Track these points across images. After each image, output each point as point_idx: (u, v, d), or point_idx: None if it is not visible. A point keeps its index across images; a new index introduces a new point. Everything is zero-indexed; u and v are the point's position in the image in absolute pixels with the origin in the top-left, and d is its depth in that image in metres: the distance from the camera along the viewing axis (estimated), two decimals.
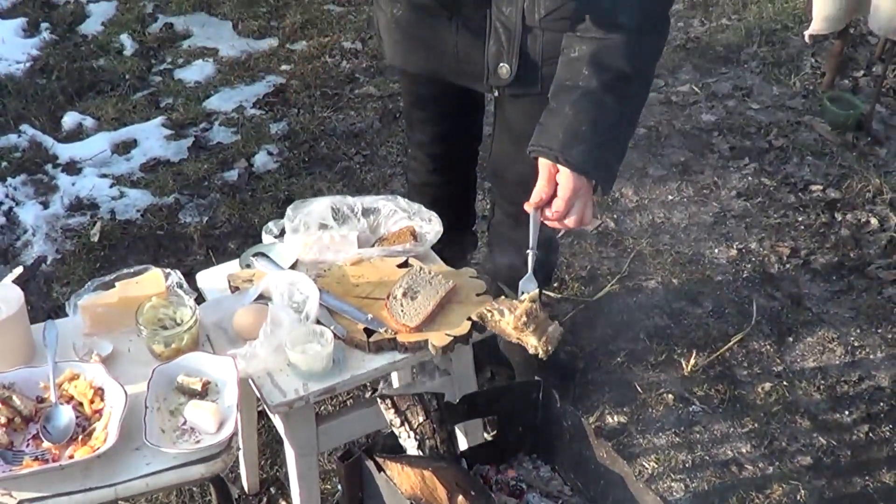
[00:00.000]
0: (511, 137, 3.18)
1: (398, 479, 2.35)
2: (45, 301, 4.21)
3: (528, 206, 2.66)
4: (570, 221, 2.64)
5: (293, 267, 2.92)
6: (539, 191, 2.64)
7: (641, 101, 2.72)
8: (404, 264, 2.92)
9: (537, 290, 2.54)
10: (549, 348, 2.47)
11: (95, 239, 4.81)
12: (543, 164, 2.62)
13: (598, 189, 2.68)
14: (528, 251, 2.64)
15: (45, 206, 5.09)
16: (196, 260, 4.49)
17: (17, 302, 2.62)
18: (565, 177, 2.59)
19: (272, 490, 3.59)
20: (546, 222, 2.67)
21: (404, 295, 2.74)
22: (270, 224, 3.08)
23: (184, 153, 5.47)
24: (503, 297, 2.58)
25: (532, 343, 2.45)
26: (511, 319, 2.46)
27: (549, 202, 2.64)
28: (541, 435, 2.58)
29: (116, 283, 2.80)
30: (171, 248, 4.73)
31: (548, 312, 2.51)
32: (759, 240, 4.80)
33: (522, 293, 2.57)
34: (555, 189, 2.63)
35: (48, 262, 4.69)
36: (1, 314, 2.58)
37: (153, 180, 5.24)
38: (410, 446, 2.41)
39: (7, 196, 5.13)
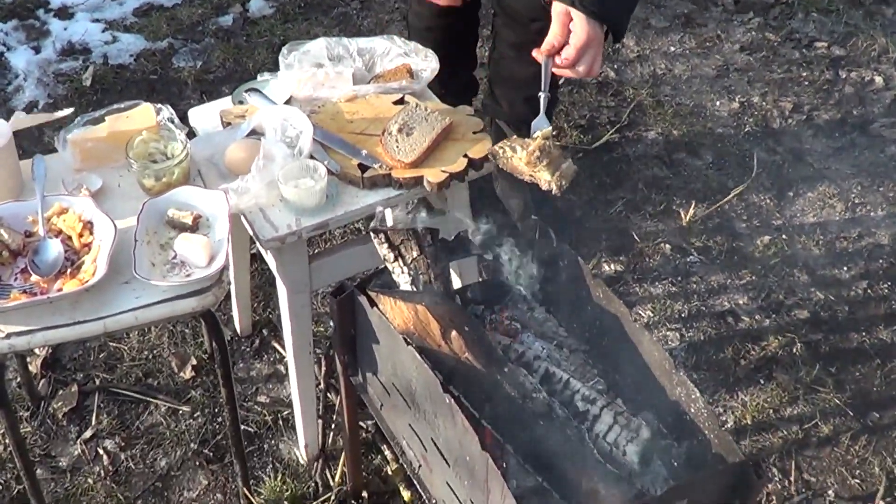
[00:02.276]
0: None
1: (391, 314, 2.32)
2: (36, 145, 4.15)
3: (540, 54, 2.60)
4: (580, 69, 2.59)
5: (287, 104, 2.86)
6: (552, 38, 2.58)
7: None
8: (400, 101, 2.87)
9: (550, 128, 2.49)
10: (563, 183, 2.43)
11: (88, 83, 4.75)
12: (557, 10, 2.56)
13: (608, 36, 2.62)
14: (540, 94, 2.59)
15: (37, 51, 5.01)
16: (190, 104, 4.41)
17: (4, 136, 2.57)
18: (579, 25, 2.53)
19: (264, 332, 3.58)
20: (555, 70, 2.62)
21: (400, 131, 2.69)
22: (266, 73, 3.02)
23: None
24: (515, 136, 2.52)
25: (545, 178, 2.41)
26: (524, 156, 2.42)
27: (560, 49, 2.58)
28: (536, 275, 2.54)
29: (106, 118, 2.75)
30: (164, 93, 4.67)
31: (561, 150, 2.47)
32: (762, 94, 4.74)
33: (535, 132, 2.52)
34: (567, 36, 2.57)
35: (39, 107, 4.64)
36: None
37: (146, 25, 5.15)
38: (404, 282, 2.38)
39: None
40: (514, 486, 2.22)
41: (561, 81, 3.65)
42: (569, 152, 2.44)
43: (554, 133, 4.25)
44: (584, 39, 2.54)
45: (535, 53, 2.63)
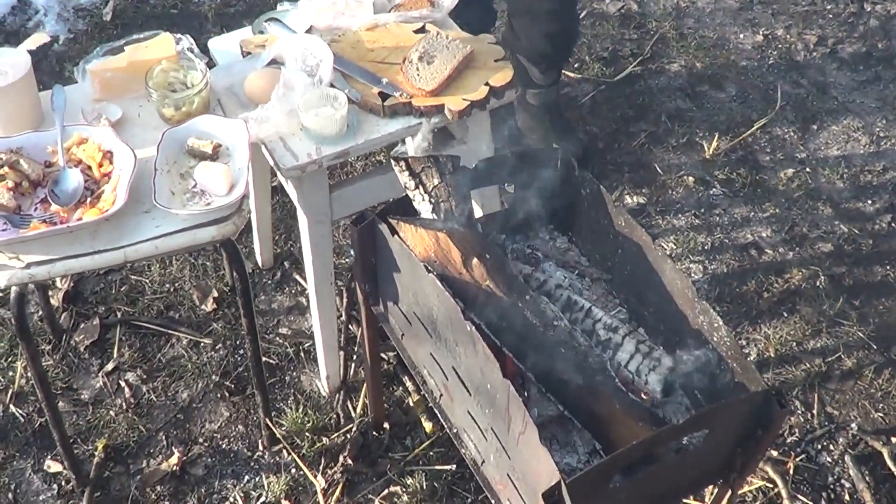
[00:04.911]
0: None
1: (412, 241, 2.31)
2: (56, 79, 4.13)
3: None
4: None
5: (307, 33, 2.84)
6: None
7: None
8: (421, 30, 2.84)
9: None
10: None
11: (108, 18, 4.73)
12: None
13: None
14: None
15: None
16: (210, 37, 4.37)
17: (24, 66, 2.56)
18: None
19: (286, 264, 3.58)
20: None
21: (420, 59, 2.67)
22: (286, 3, 3.00)
23: None
24: None
25: None
26: None
27: None
28: (558, 204, 2.52)
29: (126, 48, 2.74)
30: (184, 27, 4.63)
31: None
32: (786, 27, 4.69)
33: None
34: None
35: (60, 42, 4.62)
36: (7, 78, 2.53)
37: None
38: (425, 209, 2.36)
39: None
40: (536, 414, 2.22)
41: (582, 15, 3.61)
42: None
43: (576, 66, 4.26)
44: None
45: None
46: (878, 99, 4.33)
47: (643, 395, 2.21)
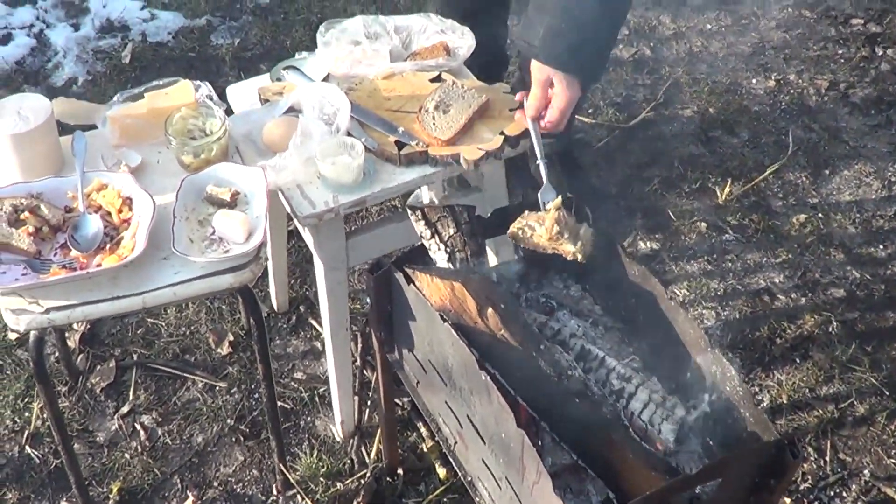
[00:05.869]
0: None
1: (428, 290, 2.33)
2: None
3: (526, 119, 2.59)
4: (551, 125, 2.58)
5: (325, 81, 2.87)
6: (535, 101, 2.55)
7: None
8: (437, 79, 2.87)
9: (559, 198, 2.45)
10: (587, 251, 2.40)
11: (127, 60, 4.78)
12: (538, 74, 2.52)
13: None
14: (537, 162, 2.55)
15: (76, 28, 5.05)
16: (227, 81, 4.43)
17: (45, 111, 2.59)
18: (563, 87, 2.49)
19: (301, 309, 3.60)
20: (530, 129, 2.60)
21: (436, 108, 2.69)
22: (304, 52, 3.03)
23: None
24: (527, 212, 2.48)
25: (570, 250, 2.38)
26: (543, 232, 2.39)
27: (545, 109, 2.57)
28: None
29: (145, 95, 2.77)
30: (202, 70, 4.69)
31: (574, 217, 2.44)
32: (798, 72, 4.72)
33: (545, 204, 2.48)
34: (549, 95, 2.54)
35: (79, 84, 4.67)
36: (29, 123, 2.55)
37: (185, 2, 5.18)
38: (440, 259, 2.38)
39: (38, 18, 5.10)
40: (550, 463, 2.22)
41: None
42: (583, 217, 2.39)
43: (590, 111, 4.28)
44: (566, 101, 2.51)
45: (518, 116, 2.62)
46: (890, 143, 4.35)
47: (657, 445, 2.22)
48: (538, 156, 2.54)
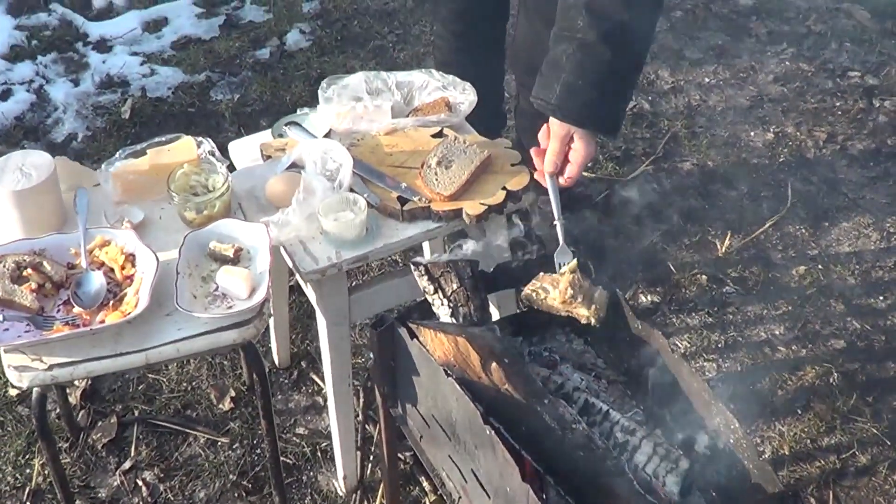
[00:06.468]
0: (533, 18, 3.10)
1: (431, 345, 2.33)
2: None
3: (545, 174, 2.56)
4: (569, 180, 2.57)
5: (326, 137, 2.88)
6: (553, 156, 2.52)
7: (644, 46, 2.53)
8: (438, 134, 2.89)
9: (575, 261, 2.44)
10: (601, 314, 2.40)
11: (126, 116, 4.80)
12: (557, 130, 2.49)
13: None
14: (554, 222, 2.52)
15: (76, 83, 5.08)
16: (228, 137, 4.46)
17: (48, 168, 2.60)
18: (580, 142, 2.48)
19: (303, 364, 3.60)
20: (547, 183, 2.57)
21: (439, 164, 2.71)
22: (305, 108, 3.06)
23: (215, 31, 5.45)
24: (542, 273, 2.48)
25: (584, 314, 2.38)
26: (557, 295, 2.40)
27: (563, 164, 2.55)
28: None
29: (148, 151, 2.78)
30: (202, 126, 4.71)
31: (589, 280, 2.44)
32: (796, 124, 4.74)
33: (560, 265, 2.48)
34: (567, 149, 2.52)
35: (79, 139, 4.69)
36: (32, 180, 2.56)
37: (184, 58, 5.21)
38: (444, 314, 2.39)
39: (38, 74, 5.13)
40: None
41: None
42: (598, 280, 2.38)
43: (589, 165, 4.30)
44: (587, 156, 2.50)
45: (537, 177, 2.60)
46: (889, 195, 4.37)
47: (661, 497, 2.22)
48: (555, 215, 2.52)
